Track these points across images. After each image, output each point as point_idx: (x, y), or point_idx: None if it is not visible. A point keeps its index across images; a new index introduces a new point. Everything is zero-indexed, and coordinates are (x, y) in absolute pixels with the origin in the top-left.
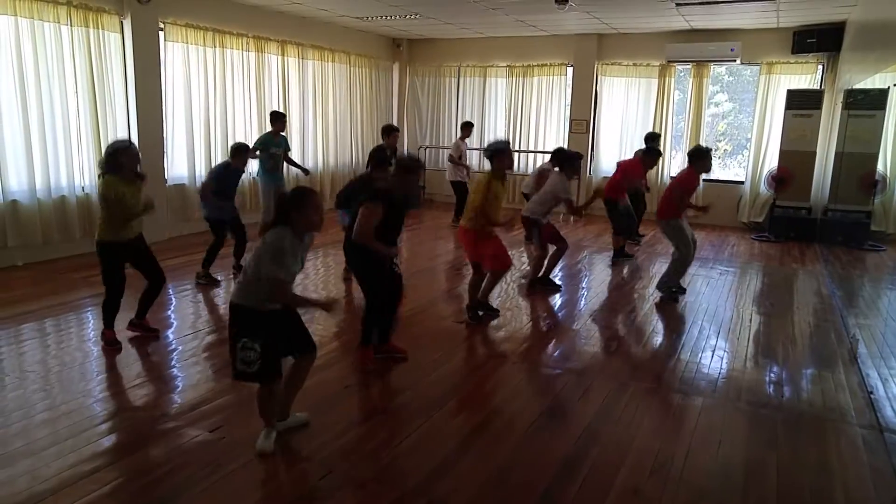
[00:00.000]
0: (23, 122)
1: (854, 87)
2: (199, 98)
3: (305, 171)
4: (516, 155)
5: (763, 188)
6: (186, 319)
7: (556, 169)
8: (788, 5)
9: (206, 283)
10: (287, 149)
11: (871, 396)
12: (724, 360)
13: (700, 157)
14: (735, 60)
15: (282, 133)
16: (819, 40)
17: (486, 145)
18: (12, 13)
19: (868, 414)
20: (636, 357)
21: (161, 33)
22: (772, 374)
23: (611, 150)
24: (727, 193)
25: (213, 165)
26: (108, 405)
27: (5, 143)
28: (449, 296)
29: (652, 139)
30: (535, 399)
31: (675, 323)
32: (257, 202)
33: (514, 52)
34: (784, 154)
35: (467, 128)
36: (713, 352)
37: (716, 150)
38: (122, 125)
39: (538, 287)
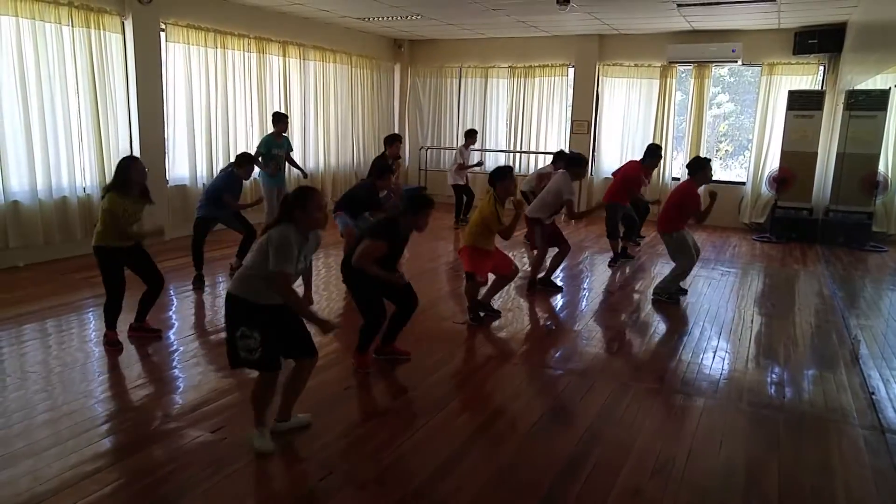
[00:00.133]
0: (24, 122)
1: (855, 87)
2: (201, 99)
3: (304, 175)
4: (517, 155)
5: (764, 189)
6: (187, 320)
7: (561, 170)
8: (789, 6)
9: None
10: (289, 149)
11: (873, 397)
12: (726, 361)
13: (700, 169)
14: (736, 61)
15: (284, 134)
16: (820, 41)
17: (486, 147)
18: (13, 14)
19: (870, 415)
20: (638, 358)
21: (162, 34)
22: (773, 375)
23: (612, 152)
24: (728, 194)
25: (214, 167)
26: (109, 406)
27: (7, 144)
28: (450, 297)
29: (651, 153)
30: (536, 400)
31: (676, 324)
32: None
33: (515, 53)
34: (785, 155)
35: (471, 136)
36: (715, 352)
37: (717, 151)
38: (123, 126)
39: (538, 288)
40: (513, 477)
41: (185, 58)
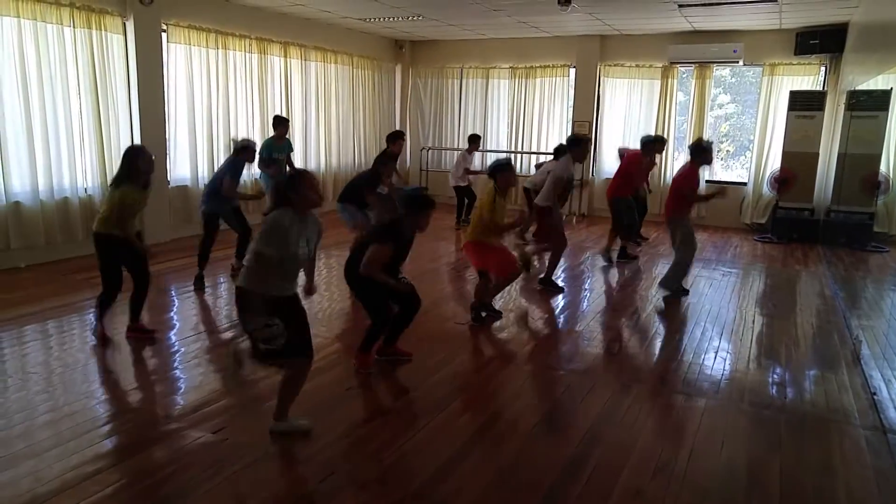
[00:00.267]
0: (26, 123)
1: (857, 88)
2: (202, 100)
3: None
4: (518, 156)
5: (766, 189)
6: (189, 321)
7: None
8: (791, 6)
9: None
10: (290, 151)
11: (875, 398)
12: (727, 362)
13: (701, 152)
14: (738, 62)
15: (285, 137)
16: (822, 41)
17: (487, 148)
18: (15, 15)
19: (871, 415)
20: (639, 358)
21: (164, 35)
22: (775, 376)
23: (613, 152)
24: (730, 195)
25: (216, 168)
26: (110, 407)
27: (8, 145)
28: (451, 298)
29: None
30: (537, 400)
31: (677, 324)
32: (258, 204)
33: (516, 54)
34: (787, 155)
35: (475, 141)
36: (716, 353)
37: (718, 152)
38: (124, 127)
39: (541, 286)
40: (514, 477)
41: (186, 59)
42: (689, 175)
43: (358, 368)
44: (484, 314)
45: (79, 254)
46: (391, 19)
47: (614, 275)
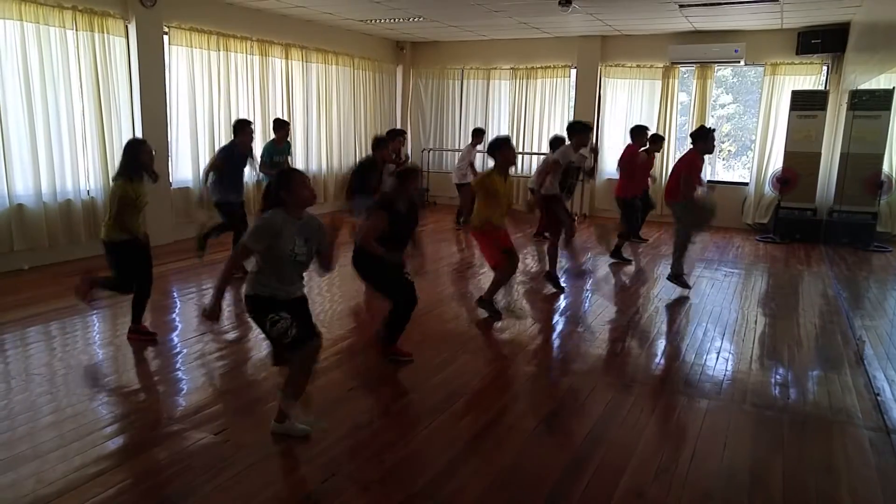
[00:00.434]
0: (29, 126)
1: (859, 87)
2: (204, 101)
3: None
4: (520, 157)
5: (768, 189)
6: (190, 322)
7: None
8: (792, 6)
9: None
10: (289, 153)
11: (878, 398)
12: (729, 362)
13: (702, 138)
14: (739, 62)
15: (286, 140)
16: (824, 41)
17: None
18: (18, 18)
19: (875, 416)
20: (641, 359)
21: (165, 37)
22: (777, 376)
23: (614, 153)
24: (732, 195)
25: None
26: (113, 408)
27: (11, 148)
28: (452, 299)
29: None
30: (539, 401)
31: (679, 325)
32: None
33: (517, 55)
34: (789, 155)
35: (479, 135)
36: (718, 354)
37: (720, 152)
38: (126, 129)
39: (547, 281)
40: (516, 478)
41: (188, 60)
42: (689, 160)
43: (400, 358)
44: (485, 314)
45: (81, 256)
46: (392, 21)
47: (616, 275)
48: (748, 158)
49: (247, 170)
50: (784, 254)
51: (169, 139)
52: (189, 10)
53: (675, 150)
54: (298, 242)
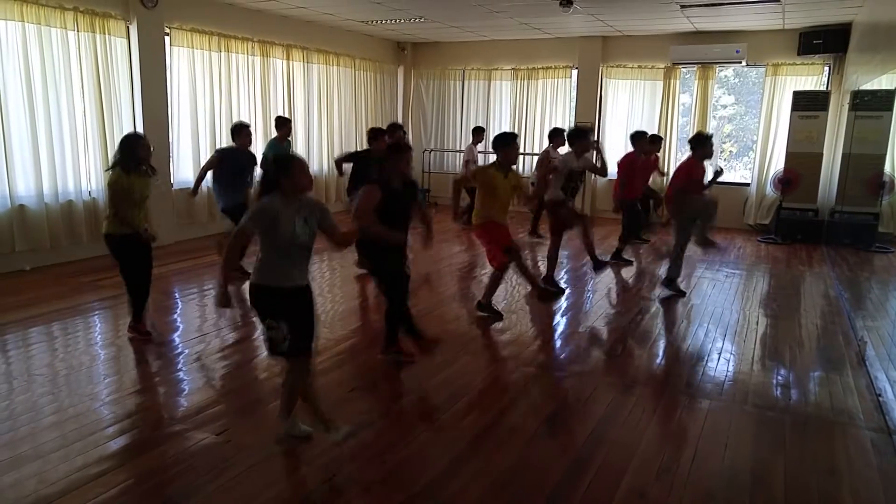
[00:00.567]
0: (30, 127)
1: (861, 88)
2: (205, 102)
3: None
4: (521, 158)
5: (769, 190)
6: (192, 323)
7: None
8: (794, 6)
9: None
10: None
11: (880, 399)
12: (731, 363)
13: (700, 144)
14: (741, 62)
15: (287, 138)
16: (825, 41)
17: (489, 149)
18: (19, 19)
19: (876, 416)
20: (642, 360)
21: (167, 38)
22: (779, 377)
23: (616, 154)
24: (733, 195)
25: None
26: (115, 408)
27: (13, 148)
28: (453, 300)
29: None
30: (540, 402)
31: (680, 325)
32: None
33: (518, 55)
34: (790, 156)
35: (479, 133)
36: (719, 354)
37: (721, 152)
38: (128, 129)
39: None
40: (517, 479)
41: (189, 61)
42: (688, 167)
43: (404, 358)
44: (485, 314)
45: (83, 256)
46: (393, 21)
47: (617, 276)
48: (749, 159)
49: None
50: (785, 254)
51: (170, 140)
52: (190, 11)
53: (676, 150)
54: (298, 223)
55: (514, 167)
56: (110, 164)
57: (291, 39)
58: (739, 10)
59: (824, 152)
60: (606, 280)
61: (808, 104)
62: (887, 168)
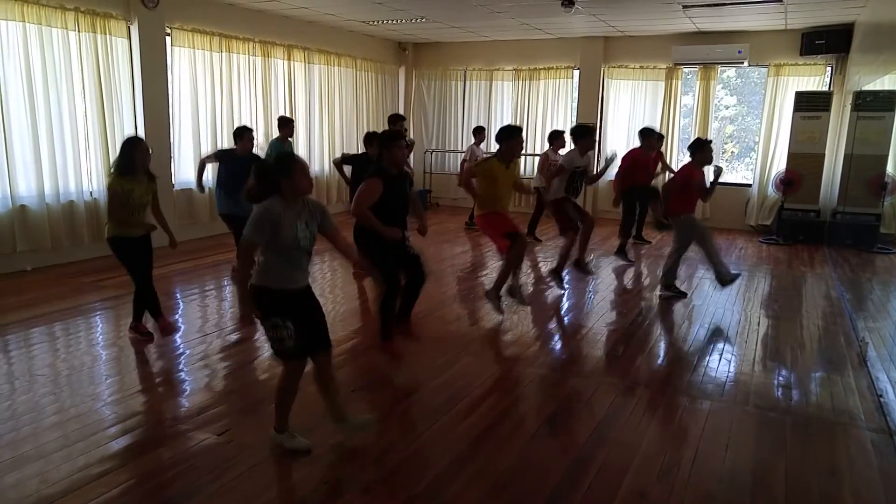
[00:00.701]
0: (31, 127)
1: (863, 88)
2: (206, 103)
3: None
4: (522, 158)
5: (771, 191)
6: (194, 324)
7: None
8: (796, 6)
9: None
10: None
11: (881, 400)
12: (732, 364)
13: (698, 149)
14: (743, 62)
15: (290, 139)
16: (828, 42)
17: (491, 150)
18: (20, 19)
19: (877, 417)
20: (643, 360)
21: (168, 38)
22: (780, 378)
23: (618, 154)
24: (735, 196)
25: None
26: (117, 408)
27: (14, 149)
28: (455, 300)
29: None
30: (541, 402)
31: (682, 326)
32: None
33: (520, 56)
34: (792, 156)
35: (480, 132)
36: (721, 355)
37: (723, 153)
38: (129, 130)
39: (553, 277)
40: (518, 479)
41: (190, 62)
42: (684, 173)
43: (391, 357)
44: (510, 299)
45: (85, 257)
46: (394, 22)
47: (619, 277)
48: (751, 160)
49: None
50: (787, 255)
51: (171, 141)
52: (191, 12)
53: (677, 151)
54: (300, 227)
55: (515, 160)
56: (111, 166)
57: (293, 40)
58: (742, 11)
59: (826, 153)
60: (608, 281)
61: (810, 105)
62: (889, 169)
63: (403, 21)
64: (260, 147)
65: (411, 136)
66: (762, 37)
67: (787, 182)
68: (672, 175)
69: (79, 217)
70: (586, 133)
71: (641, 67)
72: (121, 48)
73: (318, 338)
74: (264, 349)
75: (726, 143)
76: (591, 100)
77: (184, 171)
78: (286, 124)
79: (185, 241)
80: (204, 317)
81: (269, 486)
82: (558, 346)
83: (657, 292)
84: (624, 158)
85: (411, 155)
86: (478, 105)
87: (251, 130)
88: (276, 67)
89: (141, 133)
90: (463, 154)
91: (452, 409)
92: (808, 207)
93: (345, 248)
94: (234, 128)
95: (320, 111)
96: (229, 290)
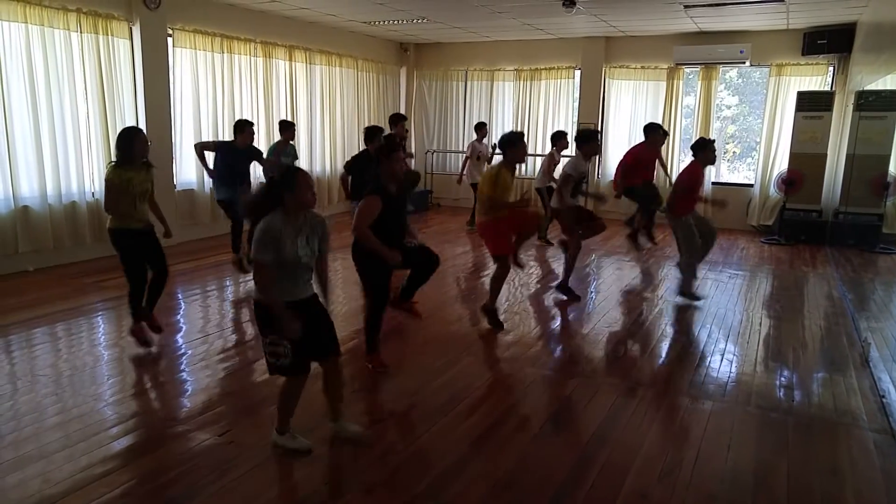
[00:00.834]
0: (33, 128)
1: (865, 88)
2: (208, 103)
3: None
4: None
5: (773, 191)
6: (195, 324)
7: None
8: (798, 6)
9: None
10: (295, 157)
11: (883, 400)
12: (734, 364)
13: (701, 149)
14: (744, 62)
15: (291, 142)
16: (830, 41)
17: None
18: (23, 21)
19: (880, 418)
20: (645, 361)
21: (170, 39)
22: (782, 378)
23: (619, 154)
24: (736, 196)
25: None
26: (118, 409)
27: (16, 150)
28: (456, 301)
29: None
30: (543, 403)
31: (683, 327)
32: None
33: (521, 56)
34: (794, 156)
35: (482, 128)
36: (722, 356)
37: (725, 153)
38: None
39: (560, 291)
40: (519, 480)
41: (192, 63)
42: (690, 173)
43: (374, 368)
44: (488, 323)
45: (86, 257)
46: (396, 22)
47: (620, 277)
48: (753, 160)
49: (253, 169)
50: (789, 255)
51: (173, 141)
52: (193, 13)
53: (679, 151)
54: (301, 243)
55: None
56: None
57: (294, 40)
58: (743, 10)
59: (828, 153)
60: (609, 281)
61: (812, 104)
62: (892, 169)
63: (405, 21)
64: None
65: (412, 149)
66: (764, 36)
67: (789, 182)
68: (678, 176)
69: (81, 217)
70: (590, 138)
71: (643, 67)
72: (122, 49)
73: (321, 346)
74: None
75: (728, 144)
76: (592, 100)
77: (185, 172)
78: (287, 128)
79: (187, 241)
80: (205, 317)
81: (270, 486)
82: (559, 346)
83: (659, 294)
84: (627, 154)
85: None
86: (479, 105)
87: (252, 124)
88: (277, 68)
89: None
90: (464, 152)
91: (454, 410)
92: (810, 207)
93: (322, 273)
94: (235, 121)
95: (322, 112)
96: (230, 291)
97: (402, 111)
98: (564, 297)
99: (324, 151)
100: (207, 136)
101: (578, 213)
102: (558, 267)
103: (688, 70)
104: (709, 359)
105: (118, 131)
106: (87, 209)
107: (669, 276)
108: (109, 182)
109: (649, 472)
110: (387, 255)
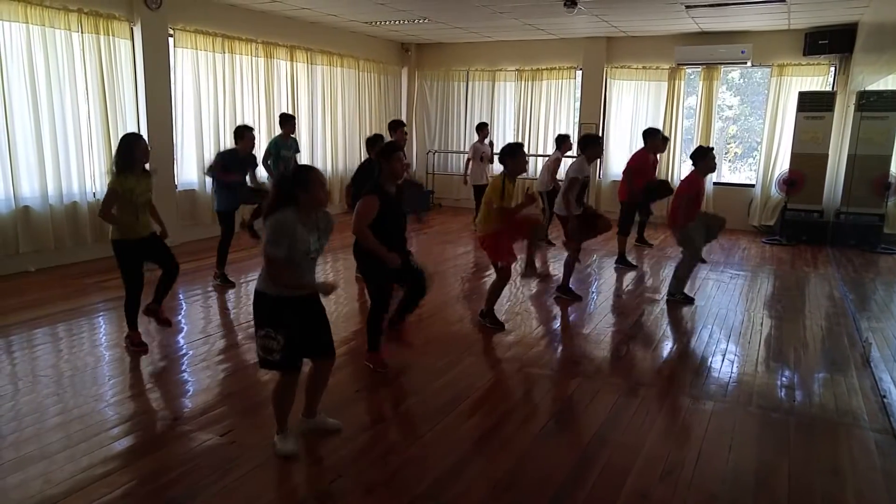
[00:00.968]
0: (35, 128)
1: (867, 88)
2: (209, 104)
3: None
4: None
5: (774, 191)
6: (197, 324)
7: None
8: (800, 6)
9: (222, 283)
10: (297, 150)
11: (885, 400)
12: (735, 364)
13: (701, 158)
14: (746, 63)
15: (292, 135)
16: (831, 42)
17: (493, 150)
18: (24, 21)
19: (881, 418)
20: (646, 361)
21: (171, 39)
22: (783, 378)
23: (620, 155)
24: (738, 196)
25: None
26: (119, 409)
27: (17, 150)
28: (457, 301)
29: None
30: (544, 403)
31: (685, 327)
32: None
33: (522, 56)
34: (795, 157)
35: (483, 129)
36: (724, 356)
37: (726, 153)
38: (132, 131)
39: (559, 294)
40: (520, 480)
41: (193, 63)
42: (690, 182)
43: (374, 369)
44: (488, 324)
45: (88, 258)
46: (397, 22)
47: (621, 278)
48: (754, 160)
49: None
50: (790, 256)
51: (174, 142)
52: (194, 13)
53: (681, 152)
54: (312, 240)
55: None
56: (111, 164)
57: (295, 41)
58: (745, 11)
59: (830, 153)
60: (610, 281)
61: (813, 105)
62: (893, 169)
63: (406, 22)
64: (259, 149)
65: (413, 152)
66: (765, 37)
67: (791, 182)
68: (679, 186)
69: (82, 218)
70: (594, 142)
71: (644, 68)
72: (124, 49)
73: (318, 346)
74: None
75: (729, 144)
76: (593, 100)
77: (186, 173)
78: (287, 121)
79: (188, 241)
80: (206, 318)
81: (271, 486)
82: (561, 346)
83: (660, 294)
84: (633, 158)
85: (414, 156)
86: (480, 106)
87: (252, 129)
88: (278, 68)
89: (144, 134)
90: (467, 154)
91: (455, 410)
92: (812, 208)
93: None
94: (235, 127)
95: (323, 112)
96: (231, 291)
97: (404, 112)
98: (565, 297)
99: (325, 152)
100: (208, 137)
101: (585, 222)
102: (559, 267)
103: (689, 70)
104: (710, 359)
105: (119, 132)
106: (88, 209)
107: (670, 277)
108: (112, 190)
109: (650, 472)
110: (385, 257)
